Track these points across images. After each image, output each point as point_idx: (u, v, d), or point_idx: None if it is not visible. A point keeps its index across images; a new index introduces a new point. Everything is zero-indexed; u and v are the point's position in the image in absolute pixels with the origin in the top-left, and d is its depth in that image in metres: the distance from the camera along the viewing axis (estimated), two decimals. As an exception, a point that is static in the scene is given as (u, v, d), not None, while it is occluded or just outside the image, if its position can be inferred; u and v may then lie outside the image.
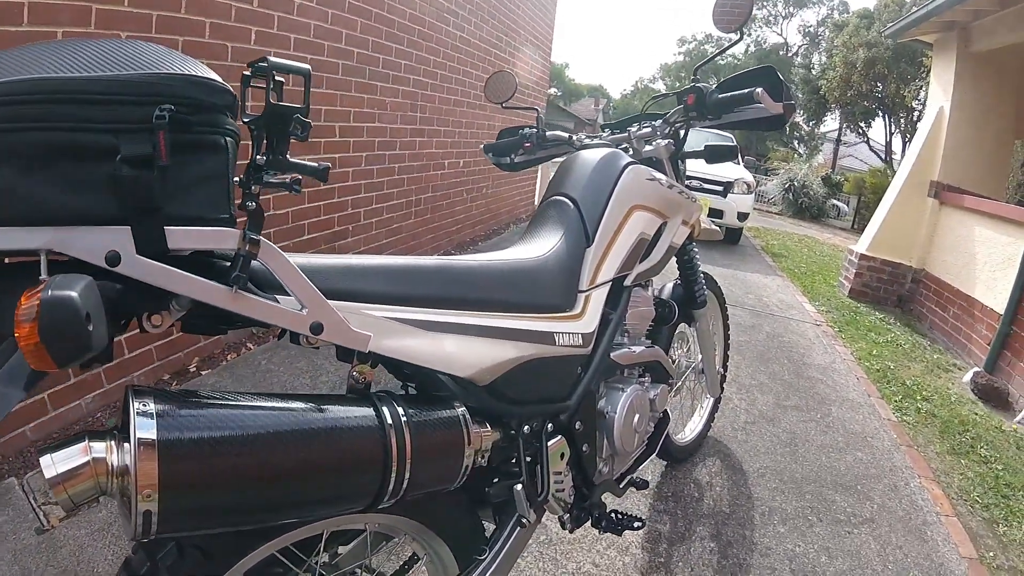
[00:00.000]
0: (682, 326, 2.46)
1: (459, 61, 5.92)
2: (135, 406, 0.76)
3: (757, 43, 39.81)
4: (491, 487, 1.34)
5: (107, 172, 0.71)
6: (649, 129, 2.03)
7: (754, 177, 11.04)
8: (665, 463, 2.68)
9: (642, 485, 1.87)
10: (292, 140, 0.85)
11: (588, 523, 1.66)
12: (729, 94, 1.86)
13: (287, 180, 0.88)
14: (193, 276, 0.79)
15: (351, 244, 4.64)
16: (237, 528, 0.92)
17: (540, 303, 1.39)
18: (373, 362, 1.06)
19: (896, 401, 3.83)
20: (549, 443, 1.41)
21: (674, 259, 2.19)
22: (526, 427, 1.37)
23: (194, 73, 0.77)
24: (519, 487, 1.34)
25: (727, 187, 8.81)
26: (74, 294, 0.64)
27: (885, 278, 6.45)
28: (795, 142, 35.85)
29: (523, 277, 1.39)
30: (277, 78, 0.83)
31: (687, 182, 6.76)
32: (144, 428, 0.75)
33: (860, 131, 25.59)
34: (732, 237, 9.34)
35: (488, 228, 7.45)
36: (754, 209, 11.08)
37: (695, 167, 8.57)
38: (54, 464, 0.73)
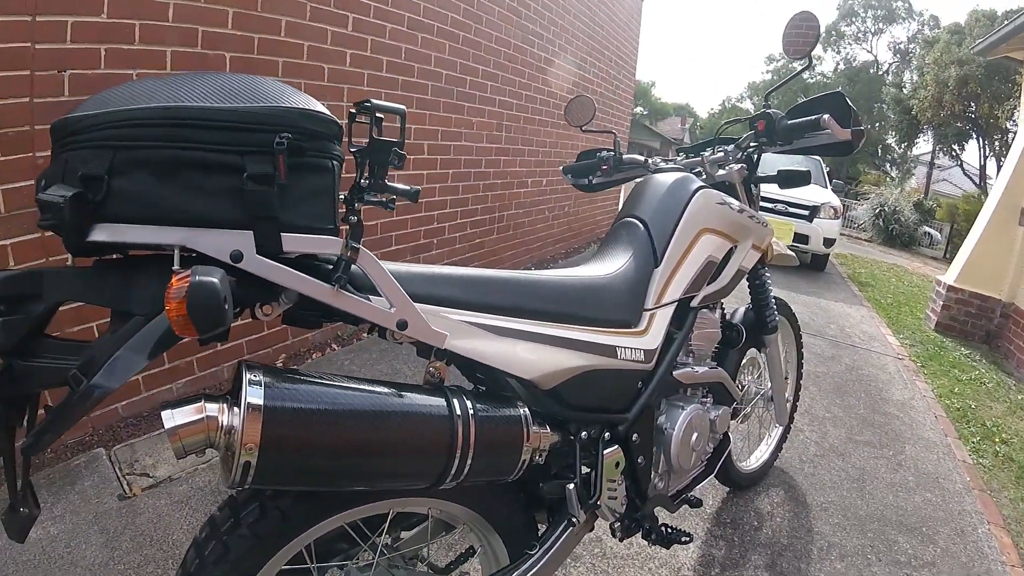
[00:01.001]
0: (754, 352, 2.46)
1: (543, 82, 6.04)
2: (247, 376, 0.92)
3: (847, 61, 38.28)
4: (545, 483, 1.42)
5: (234, 185, 0.86)
6: (721, 154, 2.07)
7: (842, 201, 10.67)
8: (727, 489, 2.67)
9: (696, 503, 1.89)
10: (403, 162, 1.00)
11: (639, 535, 1.71)
12: (797, 120, 1.90)
13: (382, 199, 1.02)
14: (303, 275, 0.94)
15: (435, 257, 4.81)
16: (319, 488, 1.07)
17: (605, 318, 1.47)
18: (448, 360, 1.20)
19: (973, 442, 3.68)
20: (605, 451, 1.48)
21: (746, 284, 2.22)
22: (584, 433, 1.45)
23: (308, 107, 0.92)
24: (571, 487, 1.41)
25: (813, 211, 8.49)
26: (216, 280, 0.79)
27: (973, 311, 6.12)
28: (887, 165, 34.41)
29: (590, 293, 1.48)
30: (378, 115, 0.97)
31: (772, 205, 6.65)
32: (253, 395, 0.90)
33: (953, 154, 24.47)
34: (818, 264, 9.02)
35: (569, 246, 7.51)
36: (841, 235, 10.69)
37: (781, 191, 8.39)
38: (173, 417, 0.88)
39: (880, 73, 36.35)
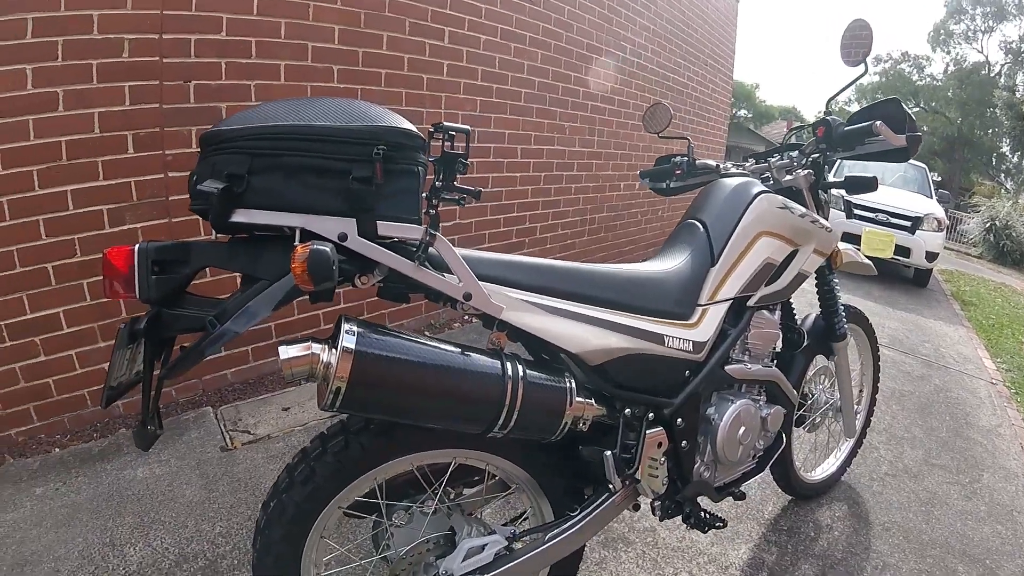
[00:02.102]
0: (824, 360, 2.47)
1: (636, 87, 6.11)
2: (344, 326, 1.17)
3: (956, 62, 35.58)
4: (585, 447, 1.59)
5: (343, 185, 1.12)
6: (787, 160, 2.13)
7: (949, 213, 10.03)
8: (789, 498, 2.69)
9: (740, 496, 1.97)
10: (466, 169, 1.25)
11: (679, 518, 1.82)
12: (851, 127, 1.96)
13: (455, 197, 1.27)
14: (391, 252, 1.19)
15: (525, 255, 4.92)
16: (391, 417, 1.28)
17: (656, 308, 1.61)
18: (510, 334, 1.40)
19: (1060, 479, 3.47)
20: (649, 431, 1.61)
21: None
22: (628, 410, 1.59)
23: (400, 125, 1.17)
24: (608, 453, 1.55)
25: (916, 223, 7.95)
26: (327, 249, 1.05)
27: (1084, 340, 5.66)
28: (1002, 175, 32.09)
29: (644, 285, 1.63)
30: (450, 132, 1.23)
31: (874, 215, 6.37)
32: (347, 340, 1.14)
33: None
34: (920, 279, 8.55)
35: (661, 249, 7.48)
36: (947, 249, 9.95)
37: (882, 199, 8.05)
38: (287, 351, 1.14)
39: (992, 75, 33.73)
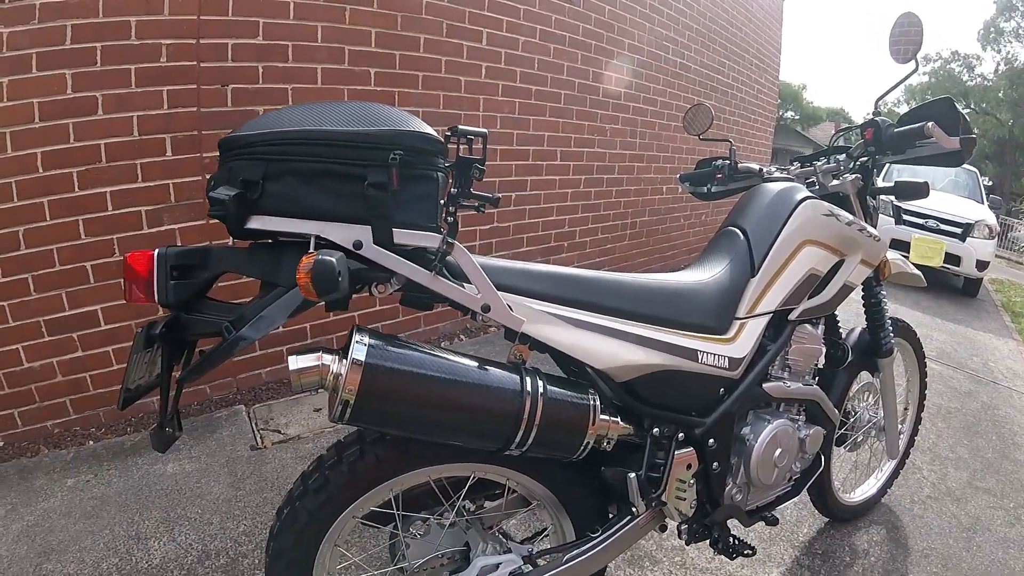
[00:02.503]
0: (868, 377, 2.37)
1: (679, 88, 6.01)
2: (355, 337, 1.14)
3: (1008, 60, 33.95)
4: (607, 468, 1.53)
5: (358, 191, 1.09)
6: (834, 164, 2.02)
7: (1000, 220, 9.70)
8: (826, 520, 2.59)
9: (772, 521, 1.87)
10: (483, 175, 1.19)
11: (708, 542, 1.73)
12: (902, 129, 1.84)
13: (475, 204, 1.21)
14: (407, 261, 1.15)
15: (564, 260, 4.96)
16: (402, 432, 1.25)
17: (690, 322, 1.54)
18: (532, 345, 1.35)
19: (1113, 506, 3.29)
20: (678, 451, 1.54)
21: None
22: (657, 430, 1.52)
23: (417, 129, 1.13)
24: (632, 476, 1.48)
25: (966, 230, 7.67)
26: (333, 259, 1.01)
27: None
28: None
29: (678, 297, 1.55)
30: (469, 136, 1.17)
31: (924, 221, 6.16)
32: (358, 352, 1.11)
33: None
34: (970, 289, 8.25)
35: (705, 256, 7.36)
36: (998, 257, 9.61)
37: (932, 205, 7.77)
38: (297, 361, 1.11)
39: None
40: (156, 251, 1.10)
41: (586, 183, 5.01)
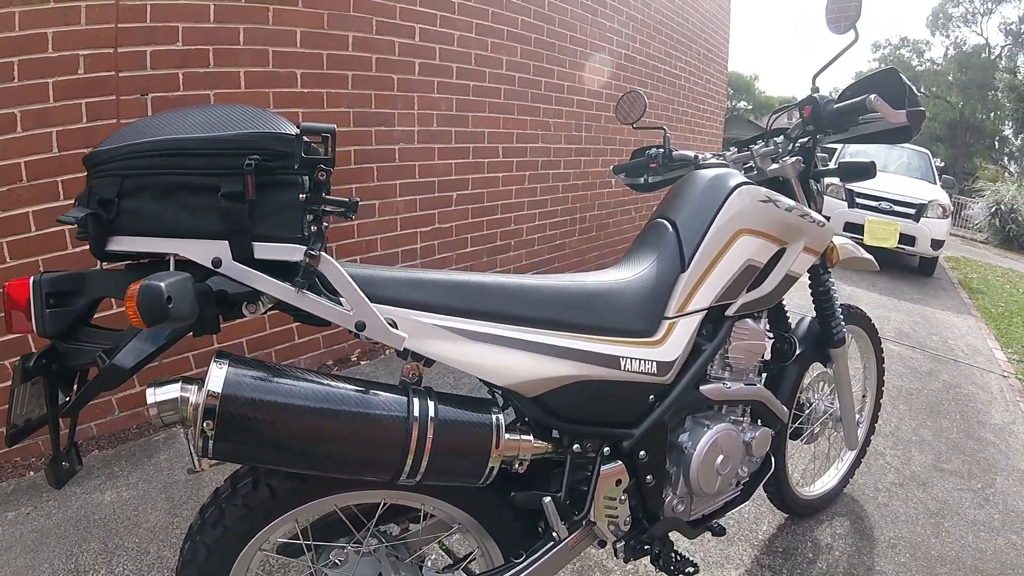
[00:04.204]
0: (822, 367, 2.27)
1: (625, 80, 5.92)
2: (213, 364, 1.04)
3: (956, 45, 35.40)
4: (518, 493, 1.38)
5: (213, 203, 1.00)
6: (772, 147, 1.91)
7: (954, 199, 9.85)
8: (786, 516, 2.49)
9: (719, 531, 1.76)
10: (329, 176, 1.07)
11: (647, 558, 1.61)
12: (843, 104, 1.74)
13: (341, 209, 1.09)
14: (268, 278, 1.05)
15: (512, 258, 4.85)
16: (270, 466, 1.16)
17: (610, 326, 1.40)
18: (426, 362, 1.24)
19: (1081, 478, 3.27)
20: (604, 467, 1.42)
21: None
22: (576, 446, 1.39)
23: (272, 130, 1.03)
24: (548, 500, 1.35)
25: (920, 210, 7.74)
26: (160, 284, 0.91)
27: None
28: (1005, 159, 31.74)
29: (594, 299, 1.41)
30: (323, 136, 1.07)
31: (877, 203, 6.18)
32: (214, 382, 1.01)
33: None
34: (926, 268, 8.34)
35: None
36: (953, 236, 9.77)
37: (885, 187, 7.88)
38: (154, 394, 1.03)
39: (992, 57, 33.46)
40: (32, 278, 1.01)
41: (531, 179, 4.91)
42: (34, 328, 1.02)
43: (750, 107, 40.48)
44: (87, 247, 1.03)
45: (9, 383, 1.10)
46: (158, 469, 2.61)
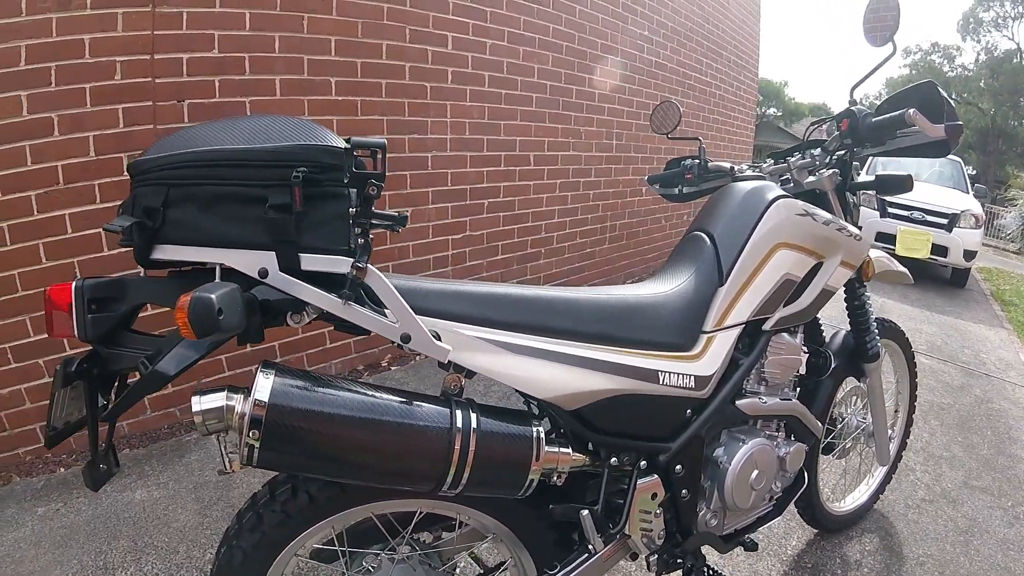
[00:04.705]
0: (855, 381, 2.24)
1: (656, 87, 5.92)
2: (260, 374, 1.05)
3: (987, 50, 34.53)
4: (556, 506, 1.39)
5: (260, 214, 1.01)
6: (809, 159, 1.90)
7: (986, 208, 9.67)
8: (815, 531, 2.47)
9: (751, 547, 1.75)
10: (380, 191, 1.10)
11: (679, 572, 1.61)
12: (881, 118, 1.72)
13: (389, 223, 1.15)
14: (316, 289, 1.06)
15: (542, 266, 4.86)
16: (315, 476, 1.18)
17: (649, 339, 1.40)
18: (467, 374, 1.24)
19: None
20: (640, 481, 1.42)
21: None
22: (614, 459, 1.39)
23: (320, 142, 1.03)
24: (585, 512, 1.36)
25: (952, 220, 7.58)
26: (212, 296, 0.92)
27: None
28: None
29: (634, 312, 1.42)
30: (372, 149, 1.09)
31: (908, 213, 6.06)
32: (261, 392, 1.02)
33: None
34: (958, 279, 8.18)
35: (687, 254, 7.25)
36: (985, 246, 9.59)
37: (917, 196, 7.68)
38: (200, 402, 1.04)
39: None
40: (73, 283, 1.03)
41: (562, 187, 4.91)
42: (76, 332, 1.04)
43: (780, 113, 39.99)
44: (123, 250, 1.05)
45: (47, 382, 1.12)
46: (189, 469, 2.65)
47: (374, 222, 1.10)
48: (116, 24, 2.56)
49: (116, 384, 1.16)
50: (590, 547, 1.38)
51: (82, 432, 1.15)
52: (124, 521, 2.30)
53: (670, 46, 6.09)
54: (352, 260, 1.06)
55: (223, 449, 1.07)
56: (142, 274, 1.11)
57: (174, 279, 1.10)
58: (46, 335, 2.55)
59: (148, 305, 1.14)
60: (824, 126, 2.19)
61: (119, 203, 2.64)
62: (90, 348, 1.08)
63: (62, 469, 2.62)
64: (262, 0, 2.94)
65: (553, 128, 4.70)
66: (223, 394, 1.05)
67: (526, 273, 4.72)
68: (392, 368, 3.76)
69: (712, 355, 1.50)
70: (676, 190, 2.12)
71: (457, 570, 1.55)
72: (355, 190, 1.07)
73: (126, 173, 1.07)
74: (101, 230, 2.63)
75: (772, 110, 39.67)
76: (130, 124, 2.65)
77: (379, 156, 1.08)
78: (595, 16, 4.91)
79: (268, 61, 2.99)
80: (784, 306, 1.68)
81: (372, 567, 1.35)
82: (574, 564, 1.38)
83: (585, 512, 1.36)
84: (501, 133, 4.25)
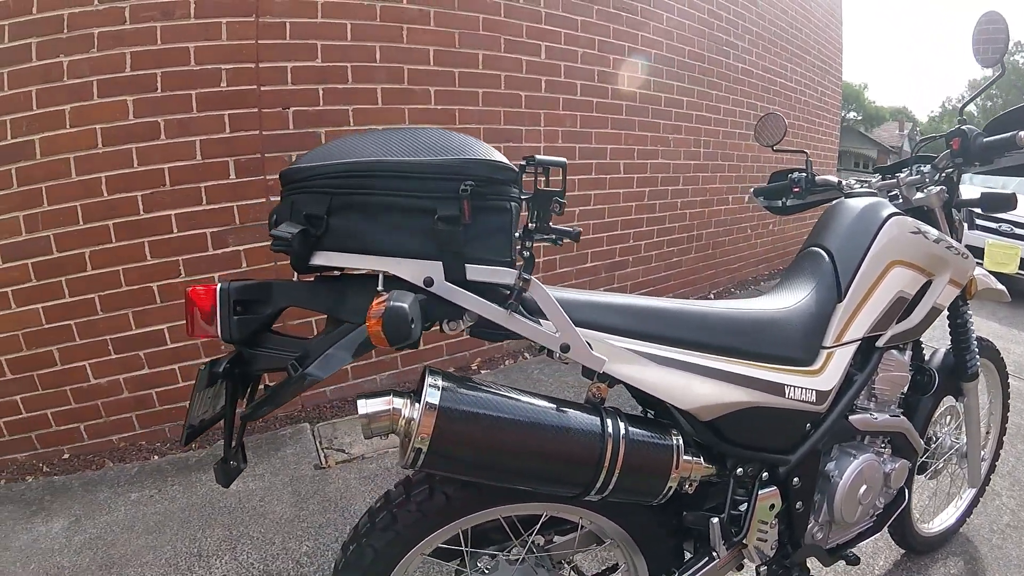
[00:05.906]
0: (951, 400, 2.22)
1: (742, 94, 5.87)
2: (428, 380, 1.10)
3: None
4: (691, 513, 1.45)
5: (428, 225, 1.03)
6: (918, 175, 1.89)
7: None
8: (902, 551, 2.45)
9: (853, 560, 1.76)
10: (563, 208, 1.14)
11: None
12: (992, 138, 1.72)
13: (552, 237, 1.16)
14: (481, 299, 1.09)
15: (629, 275, 4.87)
16: (477, 479, 1.20)
17: (776, 354, 1.43)
18: (611, 383, 1.28)
19: None
20: (761, 491, 1.46)
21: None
22: (740, 469, 1.44)
23: (488, 157, 1.07)
24: (715, 521, 1.42)
25: None
26: (405, 306, 0.95)
27: None
28: None
29: (762, 327, 1.45)
30: (546, 167, 1.13)
31: (997, 225, 5.78)
32: (431, 396, 1.07)
33: None
34: None
35: (773, 267, 7.16)
36: None
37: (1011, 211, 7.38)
38: (367, 405, 1.07)
39: None
40: (218, 286, 1.07)
41: (650, 195, 4.93)
42: (219, 333, 1.07)
43: (860, 117, 38.71)
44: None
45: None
46: (284, 463, 2.71)
47: (552, 236, 1.14)
48: (220, 33, 2.69)
49: (250, 385, 1.21)
50: (713, 553, 1.43)
51: (177, 422, 1.19)
52: (219, 511, 2.37)
53: (755, 51, 6.03)
54: (518, 272, 1.10)
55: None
56: (295, 279, 1.15)
57: (322, 284, 1.15)
58: (149, 328, 2.73)
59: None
60: (927, 143, 2.20)
61: (225, 205, 2.78)
62: (234, 350, 1.13)
63: (156, 457, 2.71)
64: (362, 11, 3.06)
65: (643, 136, 4.72)
66: (389, 398, 1.09)
67: (613, 281, 4.76)
68: (482, 371, 3.84)
69: (831, 370, 1.52)
70: (780, 203, 2.13)
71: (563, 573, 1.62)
72: (535, 205, 1.12)
73: (278, 181, 1.11)
74: (206, 231, 2.78)
75: (852, 114, 38.42)
76: (236, 130, 2.79)
77: (561, 173, 1.12)
78: (682, 23, 4.92)
79: (369, 71, 3.12)
80: (896, 323, 1.69)
81: (487, 568, 1.40)
82: (693, 569, 1.44)
83: (715, 520, 1.42)
84: (592, 141, 4.30)
